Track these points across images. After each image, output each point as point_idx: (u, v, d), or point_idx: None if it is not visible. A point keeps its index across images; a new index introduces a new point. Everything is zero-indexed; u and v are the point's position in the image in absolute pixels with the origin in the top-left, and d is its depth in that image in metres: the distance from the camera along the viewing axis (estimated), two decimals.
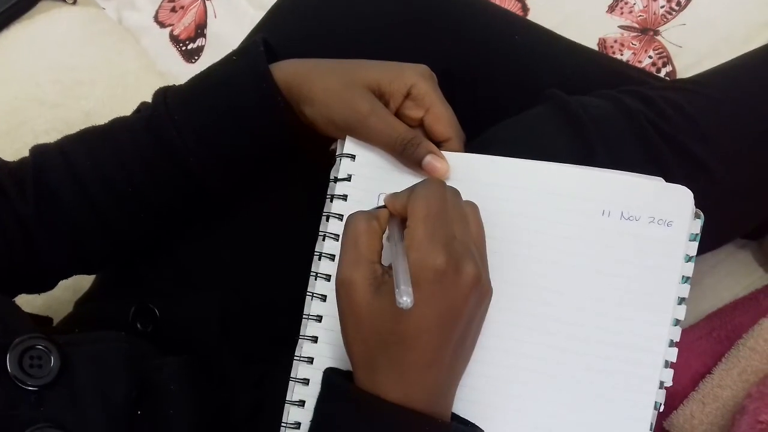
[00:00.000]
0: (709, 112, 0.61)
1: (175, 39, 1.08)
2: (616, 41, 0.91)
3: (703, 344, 0.77)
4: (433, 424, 0.46)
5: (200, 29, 1.07)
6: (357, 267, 0.46)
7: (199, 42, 1.07)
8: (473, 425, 0.50)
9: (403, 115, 0.57)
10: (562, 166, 0.54)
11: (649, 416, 0.53)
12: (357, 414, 0.47)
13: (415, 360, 0.46)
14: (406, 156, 0.54)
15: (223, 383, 0.62)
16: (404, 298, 0.41)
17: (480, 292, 0.46)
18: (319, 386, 0.51)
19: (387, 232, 0.49)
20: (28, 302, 0.74)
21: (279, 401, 0.56)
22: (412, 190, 0.48)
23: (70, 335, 0.55)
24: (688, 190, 0.53)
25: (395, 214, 0.49)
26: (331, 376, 0.51)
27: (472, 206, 0.50)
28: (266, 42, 0.60)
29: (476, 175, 0.55)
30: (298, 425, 0.54)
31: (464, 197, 0.54)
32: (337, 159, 0.57)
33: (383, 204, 0.50)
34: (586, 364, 0.53)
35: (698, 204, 0.54)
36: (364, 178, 0.56)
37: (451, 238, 0.45)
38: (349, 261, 0.46)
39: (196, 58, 1.07)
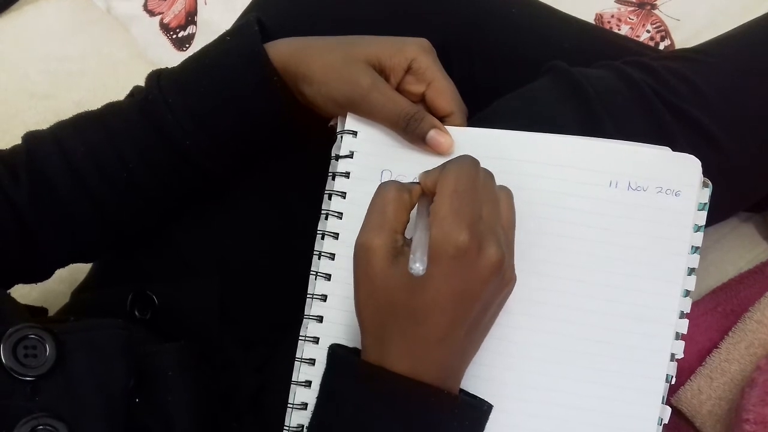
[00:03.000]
0: (714, 80, 0.60)
1: (165, 27, 1.06)
2: (613, 16, 0.91)
3: (709, 319, 0.77)
4: (439, 395, 0.46)
5: (191, 17, 1.06)
6: (379, 233, 0.45)
7: (189, 30, 1.06)
8: (481, 399, 0.49)
9: (404, 90, 0.56)
10: (567, 138, 0.54)
11: (661, 389, 0.52)
12: (361, 385, 0.47)
13: (425, 335, 0.45)
14: (410, 131, 0.54)
15: (225, 368, 0.62)
16: (416, 265, 0.40)
17: (501, 277, 0.45)
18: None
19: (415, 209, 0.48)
20: (23, 296, 0.73)
21: (283, 385, 0.55)
22: (443, 166, 0.47)
23: (65, 324, 0.54)
24: (696, 158, 0.53)
25: (426, 192, 0.48)
26: (336, 350, 0.50)
27: (506, 191, 0.49)
28: (260, 21, 0.59)
29: (480, 150, 0.53)
30: (305, 406, 0.53)
31: None
32: (338, 136, 0.56)
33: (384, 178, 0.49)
34: (596, 337, 0.52)
35: (704, 174, 0.53)
36: (366, 155, 0.55)
37: (477, 217, 0.44)
38: (372, 226, 0.46)
39: (187, 46, 1.06)
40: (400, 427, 0.46)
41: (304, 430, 0.53)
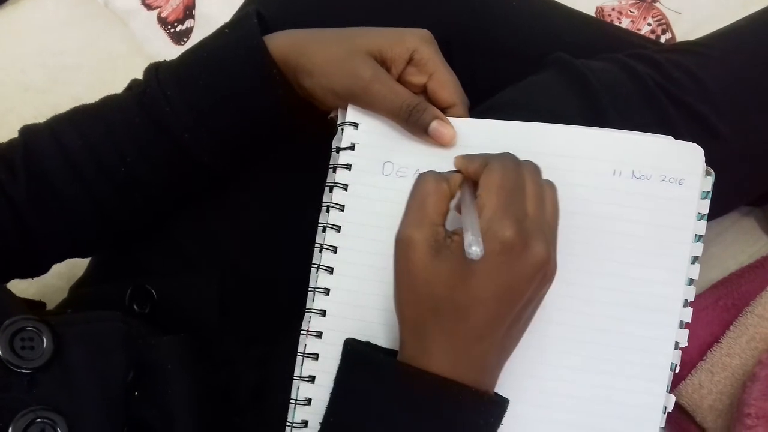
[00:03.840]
0: (717, 73, 0.60)
1: (163, 21, 1.06)
2: (614, 9, 0.90)
3: (710, 313, 0.76)
4: (474, 396, 0.45)
5: (188, 10, 1.05)
6: (420, 227, 0.45)
7: (187, 23, 1.05)
8: (503, 396, 0.49)
9: (405, 82, 0.55)
10: (570, 128, 0.53)
11: (665, 377, 0.52)
12: (395, 385, 0.46)
13: (466, 331, 0.44)
14: (412, 122, 0.53)
15: (225, 363, 0.61)
16: (473, 248, 0.39)
17: (545, 274, 0.45)
18: (331, 360, 0.50)
19: (455, 199, 0.48)
20: (21, 291, 0.72)
21: (285, 380, 0.54)
22: (486, 158, 0.47)
23: (63, 316, 0.54)
24: (699, 146, 0.52)
25: (468, 177, 0.47)
26: (356, 347, 0.49)
27: (551, 185, 0.48)
28: (259, 13, 0.58)
29: (483, 141, 0.53)
30: (308, 401, 0.53)
31: None
32: (339, 128, 0.56)
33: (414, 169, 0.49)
34: (601, 327, 0.52)
35: (707, 166, 0.53)
36: (368, 147, 0.55)
37: (524, 214, 0.44)
38: (412, 220, 0.45)
39: (185, 40, 1.05)
40: (430, 427, 0.46)
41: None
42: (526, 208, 0.44)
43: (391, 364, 0.47)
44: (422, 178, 0.47)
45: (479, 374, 0.46)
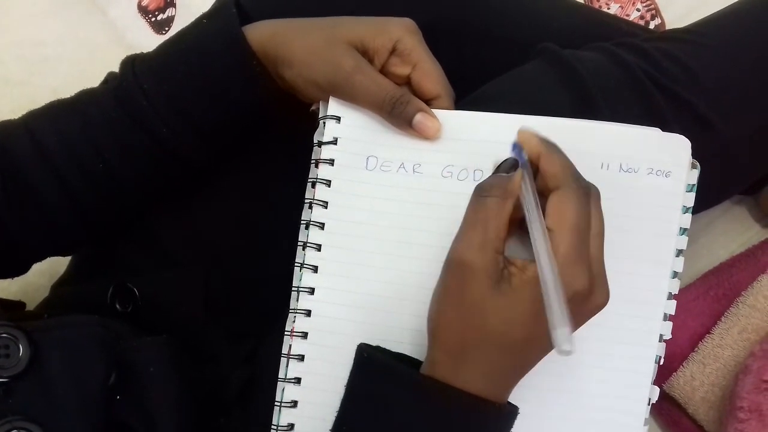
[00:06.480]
0: (706, 62, 0.59)
1: (143, 10, 1.04)
2: None
3: (701, 304, 0.76)
4: (495, 409, 0.45)
5: None
6: (482, 253, 0.42)
7: (168, 12, 1.03)
8: (514, 405, 0.48)
9: (388, 73, 0.54)
10: (558, 120, 0.52)
11: (650, 370, 0.52)
12: (418, 398, 0.45)
13: (515, 364, 0.44)
14: (395, 115, 0.52)
15: (211, 362, 0.60)
16: (565, 347, 0.38)
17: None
18: (317, 362, 0.49)
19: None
20: (2, 289, 0.71)
21: (273, 378, 0.54)
22: (563, 174, 0.43)
23: (39, 321, 0.53)
24: (686, 138, 0.52)
25: (533, 157, 0.45)
26: (376, 356, 0.48)
27: (603, 217, 0.46)
28: (238, 3, 0.57)
29: (469, 134, 0.52)
30: (294, 404, 0.52)
31: (457, 157, 0.52)
32: (321, 122, 0.54)
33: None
34: None
35: (697, 157, 0.52)
36: (351, 141, 0.53)
37: (590, 256, 0.42)
38: (473, 242, 0.43)
39: (167, 29, 1.03)
40: None
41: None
42: (590, 247, 0.43)
43: (415, 377, 0.46)
44: (486, 194, 0.44)
45: (505, 393, 0.46)
